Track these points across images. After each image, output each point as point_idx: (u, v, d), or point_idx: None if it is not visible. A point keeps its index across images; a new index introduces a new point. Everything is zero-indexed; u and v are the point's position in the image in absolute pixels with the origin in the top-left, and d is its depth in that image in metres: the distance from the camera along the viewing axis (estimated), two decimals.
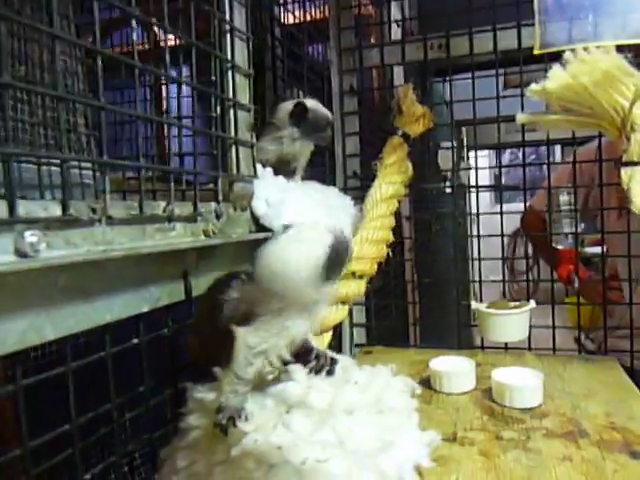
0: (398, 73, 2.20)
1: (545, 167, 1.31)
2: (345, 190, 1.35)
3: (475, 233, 1.44)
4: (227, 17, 0.81)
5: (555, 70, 1.07)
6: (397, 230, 2.10)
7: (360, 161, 1.41)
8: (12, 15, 0.48)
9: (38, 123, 0.79)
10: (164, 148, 0.85)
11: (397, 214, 2.10)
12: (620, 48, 1.06)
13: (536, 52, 1.15)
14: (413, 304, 2.01)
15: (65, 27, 0.86)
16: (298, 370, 0.59)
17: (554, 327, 1.28)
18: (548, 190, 1.27)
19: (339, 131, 1.38)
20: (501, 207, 1.38)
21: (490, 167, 2.39)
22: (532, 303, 1.24)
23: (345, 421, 0.54)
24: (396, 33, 2.36)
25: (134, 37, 0.62)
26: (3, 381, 0.55)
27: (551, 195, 1.29)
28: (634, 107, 1.04)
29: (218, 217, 0.77)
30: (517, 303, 1.25)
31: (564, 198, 1.27)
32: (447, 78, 1.39)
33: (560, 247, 1.39)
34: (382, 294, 1.65)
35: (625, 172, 1.09)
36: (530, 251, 2.18)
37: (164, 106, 1.69)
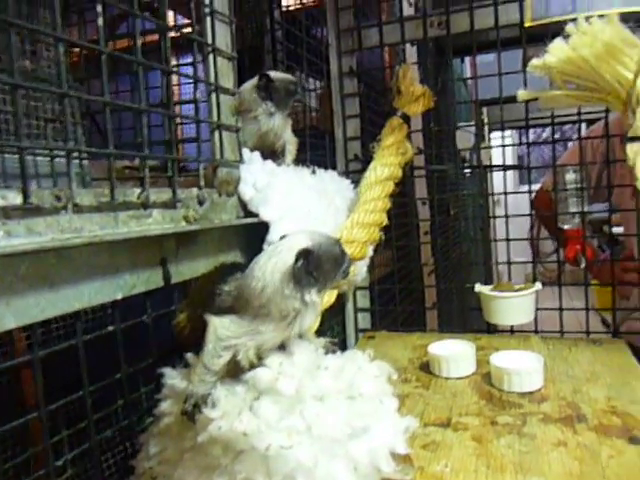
0: (411, 52, 2.16)
1: (569, 144, 1.27)
2: (347, 174, 1.34)
3: (497, 214, 1.40)
4: (207, 0, 0.79)
5: (556, 43, 1.03)
6: (412, 213, 2.08)
7: (363, 143, 1.38)
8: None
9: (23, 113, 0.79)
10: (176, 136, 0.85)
11: (412, 197, 2.09)
12: (625, 18, 1.01)
13: (527, 24, 1.11)
14: (429, 288, 2.00)
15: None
16: (271, 355, 0.58)
17: (561, 309, 1.25)
18: (553, 169, 1.22)
19: (339, 114, 1.36)
20: (530, 184, 1.32)
21: (503, 145, 2.31)
22: (538, 285, 1.21)
23: (314, 407, 0.53)
24: (408, 12, 2.31)
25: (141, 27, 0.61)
26: None
27: (557, 174, 1.24)
28: (638, 79, 0.99)
29: (201, 203, 0.76)
30: (522, 285, 1.22)
31: (570, 176, 1.22)
32: (465, 57, 1.36)
33: (567, 227, 1.35)
34: (398, 278, 1.64)
35: (631, 148, 1.04)
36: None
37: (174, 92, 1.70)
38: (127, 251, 0.63)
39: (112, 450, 0.92)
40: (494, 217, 1.34)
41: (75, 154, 0.84)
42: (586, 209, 1.24)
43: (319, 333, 1.02)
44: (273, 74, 0.95)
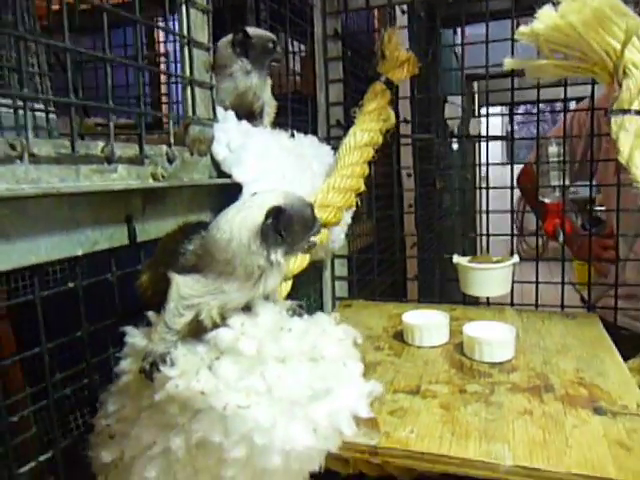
0: (401, 20, 2.11)
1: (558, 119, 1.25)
2: (328, 140, 1.31)
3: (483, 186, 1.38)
4: None
5: (544, 10, 1.01)
6: (397, 182, 2.06)
7: (345, 109, 1.36)
8: None
9: None
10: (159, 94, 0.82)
11: (397, 167, 2.07)
12: None
13: None
14: (411, 259, 1.99)
15: None
16: (234, 316, 0.57)
17: (537, 282, 1.25)
18: (536, 142, 1.21)
19: (322, 78, 1.33)
20: (512, 158, 1.30)
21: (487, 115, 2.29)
22: (515, 258, 1.20)
23: (275, 368, 0.52)
24: None
25: None
26: None
27: (540, 147, 1.23)
28: (626, 50, 0.98)
29: (170, 161, 0.74)
30: (500, 258, 1.22)
31: (553, 149, 1.21)
32: (457, 28, 1.33)
33: (547, 201, 1.34)
34: (380, 249, 1.63)
35: (615, 121, 1.03)
36: None
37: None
38: (89, 206, 0.61)
39: (81, 410, 0.91)
40: (479, 188, 1.33)
41: (42, 107, 0.81)
42: (569, 185, 1.23)
43: (294, 299, 1.01)
44: (251, 30, 0.92)
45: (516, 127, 7.96)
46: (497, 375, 0.89)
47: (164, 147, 0.73)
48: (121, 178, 0.65)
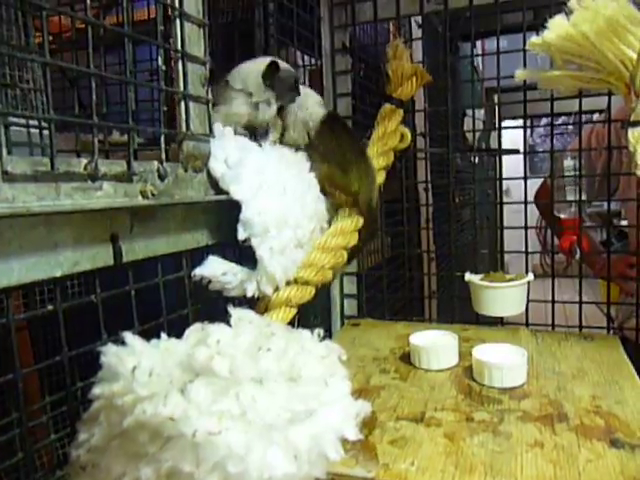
0: (416, 32, 2.09)
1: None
2: None
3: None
4: None
5: (556, 19, 0.97)
6: (413, 197, 2.02)
7: (355, 122, 1.33)
8: None
9: None
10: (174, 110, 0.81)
11: (413, 181, 2.03)
12: None
13: None
14: (428, 276, 1.94)
15: None
16: (214, 329, 0.54)
17: (553, 302, 1.20)
18: (551, 155, 1.16)
19: (330, 92, 1.30)
20: (525, 172, 1.25)
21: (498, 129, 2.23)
22: (530, 276, 1.15)
23: (250, 390, 0.48)
24: None
25: None
26: None
27: (556, 160, 1.18)
28: None
29: (162, 178, 0.72)
30: (513, 275, 1.17)
31: (568, 163, 1.16)
32: (476, 42, 1.30)
33: (563, 216, 1.29)
34: (395, 265, 1.58)
35: (632, 133, 0.98)
36: None
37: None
38: (70, 225, 0.58)
39: None
40: (501, 203, 1.28)
41: (37, 123, 0.80)
42: (585, 200, 1.18)
43: (302, 318, 0.98)
44: (281, 64, 0.92)
45: (539, 140, 7.84)
46: (507, 402, 0.84)
47: (155, 163, 0.71)
48: (107, 196, 0.63)
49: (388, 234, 1.82)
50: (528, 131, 5.18)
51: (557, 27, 0.96)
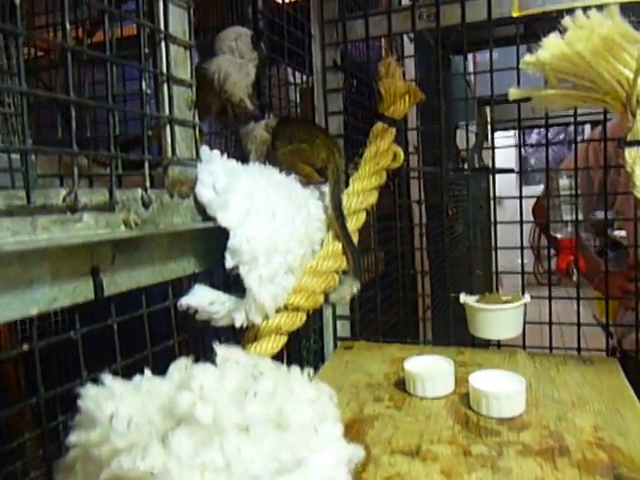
0: (409, 47, 2.08)
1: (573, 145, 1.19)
2: None
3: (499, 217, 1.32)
4: None
5: (550, 38, 0.95)
6: (406, 215, 2.00)
7: (345, 140, 1.31)
8: None
9: None
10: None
11: (406, 197, 2.01)
12: (625, 10, 0.93)
13: (515, 14, 1.03)
14: (423, 296, 1.92)
15: None
16: (197, 371, 0.51)
17: (551, 324, 1.17)
18: (546, 174, 1.14)
19: (322, 110, 1.28)
20: (520, 191, 1.23)
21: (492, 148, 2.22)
22: (526, 297, 1.13)
23: (235, 439, 0.45)
24: (407, 0, 2.22)
25: None
26: None
27: (551, 179, 1.17)
28: (639, 78, 0.91)
29: (146, 205, 0.69)
30: (509, 297, 1.14)
31: (564, 182, 1.14)
32: (468, 54, 1.30)
33: (559, 236, 1.27)
34: (387, 283, 1.56)
35: (629, 153, 0.96)
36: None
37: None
38: (47, 260, 0.55)
39: None
40: (495, 223, 1.26)
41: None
42: (582, 220, 1.16)
43: (295, 340, 0.95)
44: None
45: (530, 150, 7.85)
46: (506, 433, 0.81)
47: (139, 191, 0.68)
48: (87, 227, 0.60)
49: (381, 248, 1.80)
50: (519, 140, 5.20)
51: (551, 46, 0.94)
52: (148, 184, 0.69)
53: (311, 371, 0.60)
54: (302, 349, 1.23)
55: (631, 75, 0.92)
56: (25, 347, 0.55)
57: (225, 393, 0.48)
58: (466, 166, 3.60)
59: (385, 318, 1.45)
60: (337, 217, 0.97)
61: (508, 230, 1.38)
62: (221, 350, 0.57)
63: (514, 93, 1.04)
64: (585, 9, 0.87)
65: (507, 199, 1.30)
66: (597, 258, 1.46)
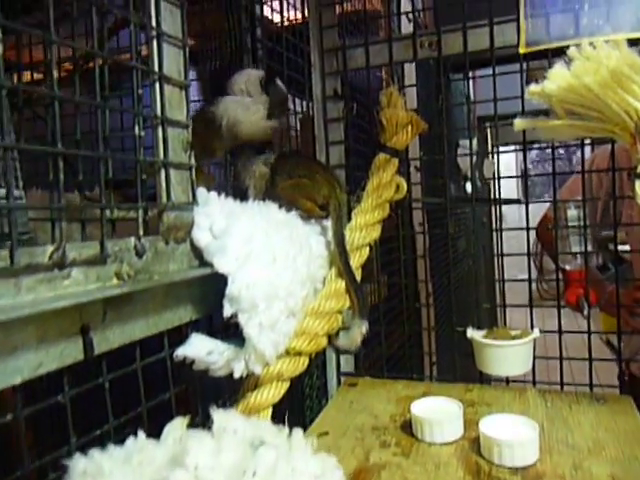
0: (409, 71, 2.06)
1: (574, 159, 1.17)
2: None
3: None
4: (153, 21, 0.69)
5: (556, 69, 0.93)
6: (409, 245, 1.96)
7: (347, 170, 1.28)
8: None
9: None
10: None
11: (410, 224, 1.98)
12: (633, 42, 0.91)
13: (521, 51, 1.00)
14: (428, 330, 1.87)
15: None
16: (192, 444, 0.48)
17: (561, 359, 1.13)
18: (554, 204, 1.11)
19: (323, 140, 1.26)
20: (527, 223, 1.20)
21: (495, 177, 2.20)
22: (536, 332, 1.09)
23: None
24: (407, 28, 2.21)
25: None
26: None
27: (558, 209, 1.13)
28: None
29: (139, 255, 0.66)
30: (518, 332, 1.11)
31: (572, 213, 1.11)
32: (468, 74, 1.28)
33: (568, 268, 1.24)
34: (391, 317, 1.52)
35: (639, 185, 0.93)
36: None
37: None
38: (32, 324, 0.52)
39: None
40: (501, 255, 1.23)
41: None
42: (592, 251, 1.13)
43: (297, 379, 0.92)
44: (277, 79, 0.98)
45: (530, 165, 7.87)
46: None
47: (132, 240, 0.65)
48: (76, 283, 0.57)
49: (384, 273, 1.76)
50: (520, 156, 5.19)
51: (557, 77, 0.92)
52: (142, 232, 0.66)
53: (315, 441, 0.56)
54: (305, 387, 1.19)
55: None
56: (9, 417, 0.52)
57: (222, 472, 0.44)
58: (468, 184, 3.59)
59: (389, 352, 1.41)
60: (340, 254, 0.94)
61: (510, 245, 1.36)
62: (218, 417, 0.53)
63: (519, 124, 1.01)
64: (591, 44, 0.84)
65: (509, 213, 1.28)
66: (606, 287, 1.43)
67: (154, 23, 0.69)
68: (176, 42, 0.73)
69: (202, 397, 0.84)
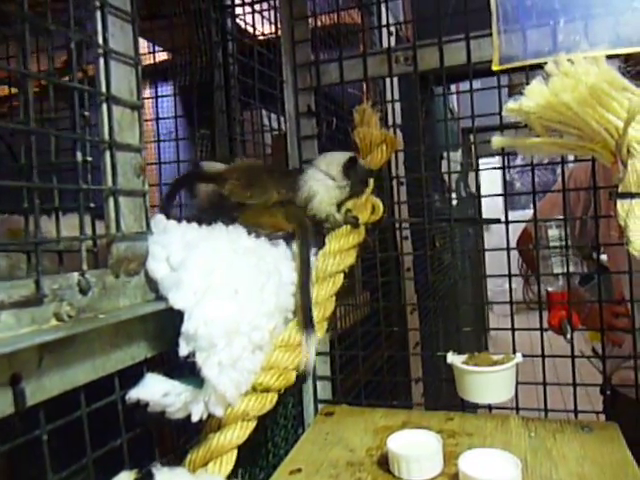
0: (394, 84, 2.02)
1: (558, 170, 1.14)
2: None
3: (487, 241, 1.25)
4: (100, 38, 0.64)
5: (533, 85, 0.89)
6: (393, 264, 1.92)
7: None
8: None
9: None
10: None
11: (393, 238, 1.94)
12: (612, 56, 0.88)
13: (495, 68, 0.97)
14: (414, 356, 1.83)
15: None
16: None
17: (545, 384, 1.09)
18: (534, 223, 1.07)
19: (296, 158, 1.21)
20: (507, 246, 1.16)
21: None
22: (518, 357, 1.05)
23: None
24: (388, 42, 2.18)
25: None
26: None
27: (539, 228, 1.10)
28: (630, 128, 0.85)
29: (84, 291, 0.60)
30: (500, 357, 1.06)
31: (553, 232, 1.08)
32: (450, 86, 1.25)
33: (550, 289, 1.20)
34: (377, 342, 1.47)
35: (622, 205, 0.90)
36: None
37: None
38: None
39: None
40: (485, 277, 1.18)
41: None
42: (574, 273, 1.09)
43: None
44: (359, 161, 1.00)
45: (515, 175, 7.90)
46: None
47: (75, 275, 0.60)
48: (6, 328, 0.51)
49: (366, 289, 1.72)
50: (505, 166, 5.19)
51: (535, 94, 0.88)
52: (85, 266, 0.61)
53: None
54: (279, 417, 1.13)
55: (621, 124, 0.86)
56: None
57: None
58: (453, 195, 3.57)
59: (367, 378, 1.36)
60: (302, 268, 0.88)
61: (495, 256, 1.33)
62: (161, 476, 0.48)
63: (498, 142, 0.98)
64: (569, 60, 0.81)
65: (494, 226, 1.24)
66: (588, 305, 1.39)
67: (100, 40, 0.64)
68: (127, 60, 0.68)
69: (162, 438, 0.78)
